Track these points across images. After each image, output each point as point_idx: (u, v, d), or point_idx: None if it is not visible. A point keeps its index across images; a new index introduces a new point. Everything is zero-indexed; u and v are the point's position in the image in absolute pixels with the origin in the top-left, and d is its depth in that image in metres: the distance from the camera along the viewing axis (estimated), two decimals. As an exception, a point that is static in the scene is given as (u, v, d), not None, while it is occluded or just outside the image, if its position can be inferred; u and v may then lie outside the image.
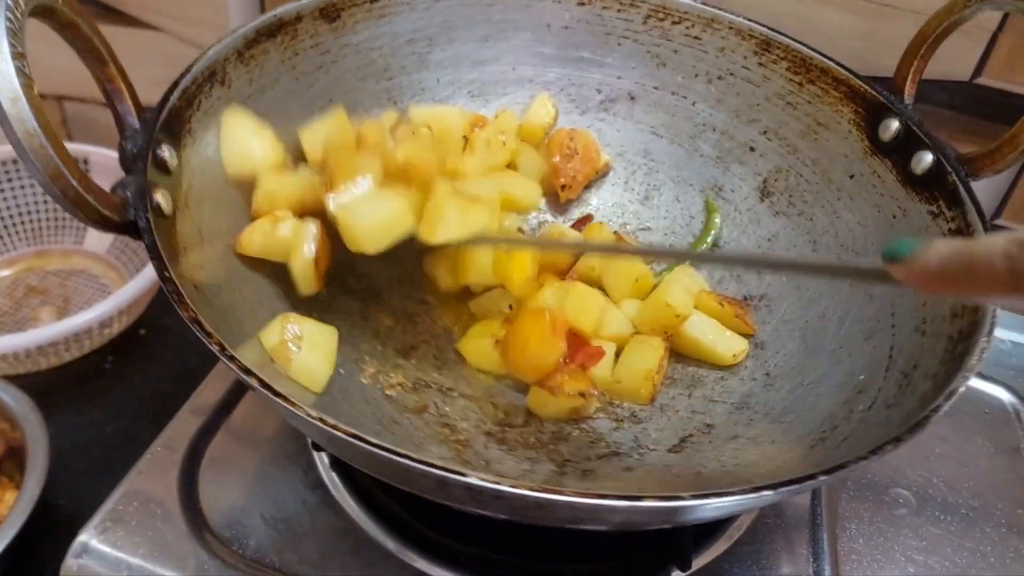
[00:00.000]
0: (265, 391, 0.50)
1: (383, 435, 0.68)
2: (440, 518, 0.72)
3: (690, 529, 0.73)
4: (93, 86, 0.63)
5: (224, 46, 0.73)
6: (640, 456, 0.71)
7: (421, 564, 0.71)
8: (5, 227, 1.18)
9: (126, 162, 0.63)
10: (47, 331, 0.94)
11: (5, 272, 1.18)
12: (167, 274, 0.55)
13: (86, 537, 0.71)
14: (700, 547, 0.74)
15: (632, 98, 0.93)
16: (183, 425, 0.81)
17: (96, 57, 0.63)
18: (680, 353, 0.80)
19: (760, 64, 0.87)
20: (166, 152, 0.64)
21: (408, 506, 0.74)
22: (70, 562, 0.70)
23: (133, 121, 0.64)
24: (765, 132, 0.88)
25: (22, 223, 1.19)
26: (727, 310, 0.79)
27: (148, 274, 1.00)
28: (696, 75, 0.90)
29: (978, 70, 0.94)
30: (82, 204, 0.54)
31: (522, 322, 0.73)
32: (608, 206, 0.93)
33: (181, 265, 0.61)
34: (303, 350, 0.66)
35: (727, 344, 0.78)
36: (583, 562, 0.73)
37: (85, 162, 1.15)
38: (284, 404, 0.50)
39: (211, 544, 0.71)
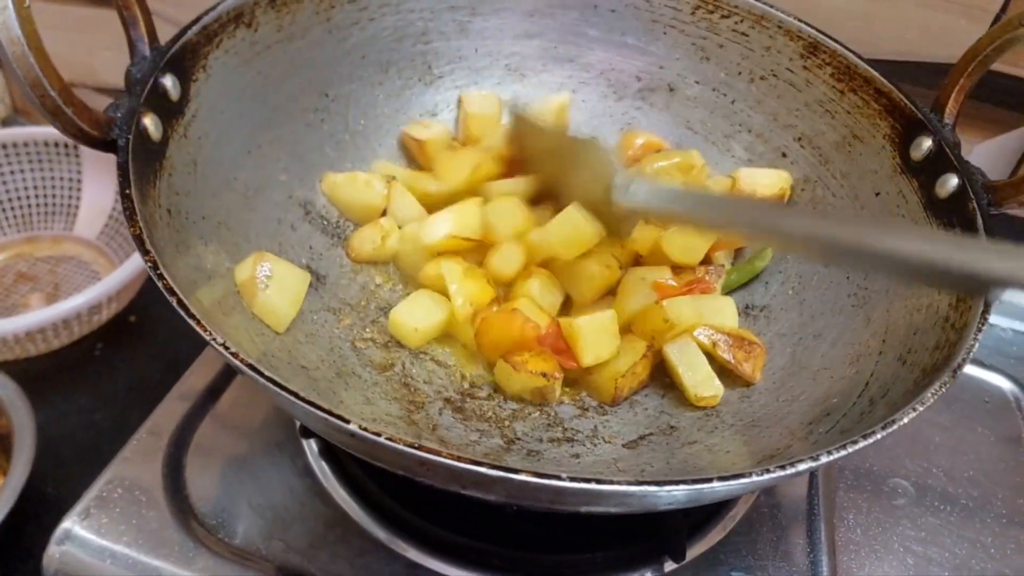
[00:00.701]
0: (181, 310, 0.51)
1: (335, 383, 0.69)
2: (430, 507, 0.72)
3: (683, 519, 0.71)
4: (82, 70, 0.65)
5: (256, -11, 0.75)
6: (593, 446, 0.69)
7: (411, 553, 0.71)
8: None
9: (129, 87, 0.66)
10: (36, 316, 0.93)
11: None
12: (128, 191, 0.57)
13: (69, 524, 0.70)
14: (694, 537, 0.73)
15: (671, 90, 0.91)
16: (170, 411, 0.80)
17: (114, -17, 0.66)
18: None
19: (805, 67, 0.83)
20: (168, 81, 0.66)
21: (398, 495, 0.73)
22: (52, 549, 0.69)
23: (144, 49, 0.67)
24: (800, 139, 0.84)
25: (12, 209, 1.18)
26: (719, 352, 0.73)
27: (138, 261, 0.98)
28: (739, 73, 0.87)
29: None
30: (59, 115, 0.57)
31: (494, 318, 0.72)
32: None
33: (158, 188, 0.63)
34: (270, 288, 0.68)
35: (699, 385, 0.72)
36: (575, 552, 0.73)
37: (76, 147, 1.14)
38: (196, 326, 0.51)
39: (197, 532, 0.71)
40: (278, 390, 0.48)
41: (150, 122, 0.64)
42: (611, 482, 0.46)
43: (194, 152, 0.70)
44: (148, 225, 0.56)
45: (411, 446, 0.46)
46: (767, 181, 0.83)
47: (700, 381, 0.71)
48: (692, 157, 0.85)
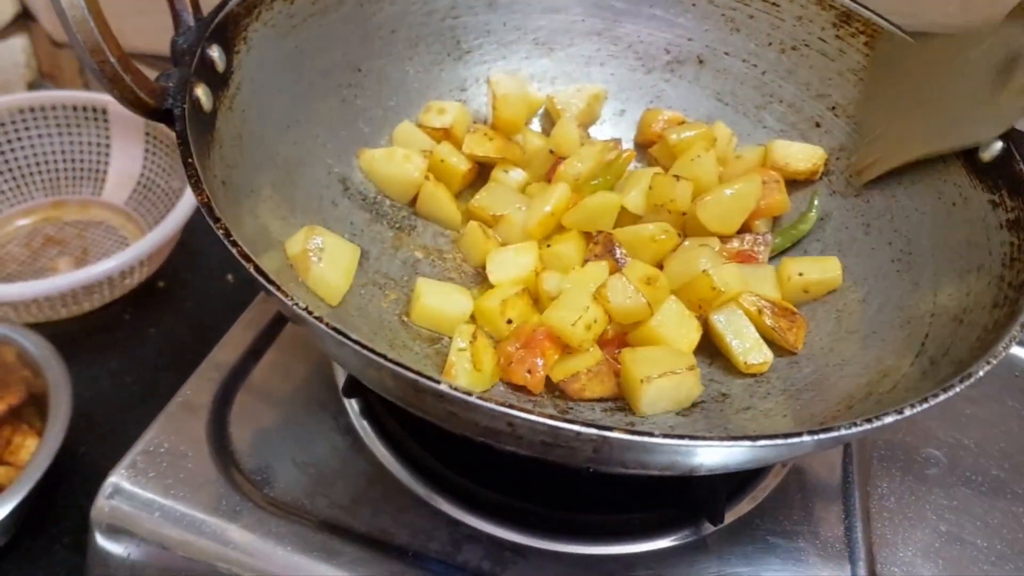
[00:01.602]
0: (261, 278, 0.51)
1: (390, 355, 0.68)
2: (469, 465, 0.72)
3: (723, 483, 0.72)
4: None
5: (290, -38, 0.74)
6: (646, 416, 0.70)
7: (451, 510, 0.72)
8: (23, 176, 1.17)
9: (175, 56, 0.64)
10: (68, 278, 0.93)
11: (23, 221, 1.17)
12: (191, 160, 0.56)
13: (117, 478, 0.70)
14: (731, 501, 0.74)
15: (701, 62, 0.91)
16: (212, 370, 0.81)
17: (158, -47, 0.65)
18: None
19: (837, 37, 0.83)
20: (215, 52, 0.65)
21: (438, 452, 0.74)
22: (101, 503, 0.70)
23: (188, 19, 0.66)
24: (833, 108, 0.84)
25: (39, 173, 1.17)
26: (763, 319, 0.73)
27: (168, 225, 1.00)
28: (770, 43, 0.87)
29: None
30: (118, 82, 0.56)
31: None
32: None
33: (212, 159, 0.62)
34: (323, 262, 0.67)
35: (748, 352, 0.72)
36: (613, 512, 0.73)
37: (104, 111, 1.15)
38: (278, 294, 0.50)
39: (242, 486, 0.72)
40: (368, 353, 0.48)
41: (202, 93, 0.63)
42: (704, 438, 0.46)
43: (239, 125, 0.69)
44: (216, 198, 0.56)
45: (505, 405, 0.46)
46: (802, 155, 0.83)
47: (749, 348, 0.72)
48: (716, 129, 0.85)
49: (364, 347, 0.48)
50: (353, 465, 0.74)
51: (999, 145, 0.70)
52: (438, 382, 0.47)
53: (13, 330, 0.86)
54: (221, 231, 0.53)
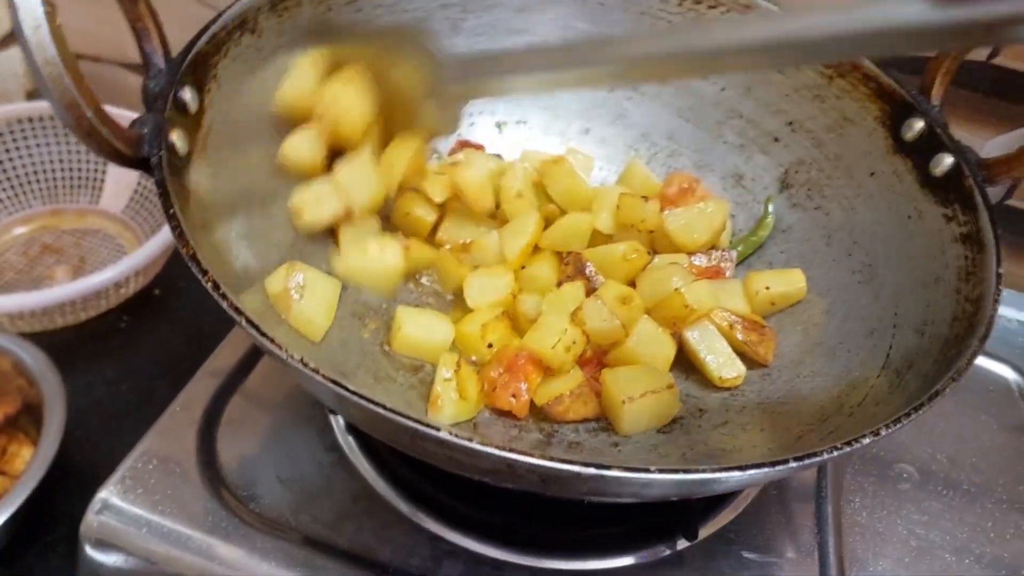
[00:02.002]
0: (251, 330, 0.51)
1: (375, 389, 0.70)
2: (452, 483, 0.73)
3: (697, 499, 0.74)
4: (108, 45, 0.65)
5: (257, -5, 0.74)
6: (629, 436, 0.72)
7: (433, 527, 0.73)
8: (20, 184, 1.17)
9: (148, 101, 0.64)
10: (65, 289, 0.94)
11: (20, 229, 1.17)
12: (172, 210, 0.57)
13: (106, 494, 0.72)
14: (706, 517, 0.76)
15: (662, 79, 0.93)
16: (201, 385, 0.82)
17: (127, -5, 0.64)
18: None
19: (792, 54, 0.86)
20: (187, 94, 0.65)
21: (420, 469, 0.75)
22: (91, 518, 0.71)
23: (159, 61, 0.66)
24: (791, 124, 0.87)
25: (37, 181, 1.17)
26: (735, 334, 0.75)
27: (164, 235, 1.00)
28: (727, 61, 0.89)
29: (995, 51, 0.92)
30: (96, 136, 0.56)
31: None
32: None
33: (191, 203, 0.62)
34: (304, 299, 0.68)
35: (723, 367, 0.75)
36: (591, 528, 0.75)
37: None
38: (270, 345, 0.51)
39: (228, 502, 0.73)
40: (370, 405, 0.49)
41: (177, 137, 0.63)
42: (699, 471, 0.48)
43: (213, 165, 0.69)
44: (199, 246, 0.56)
45: (505, 449, 0.47)
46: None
47: (723, 363, 0.74)
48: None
49: (370, 400, 0.49)
50: (337, 481, 0.76)
51: (949, 160, 0.73)
52: (437, 429, 0.48)
53: (9, 340, 0.87)
54: (209, 283, 0.53)
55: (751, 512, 0.76)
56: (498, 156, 0.92)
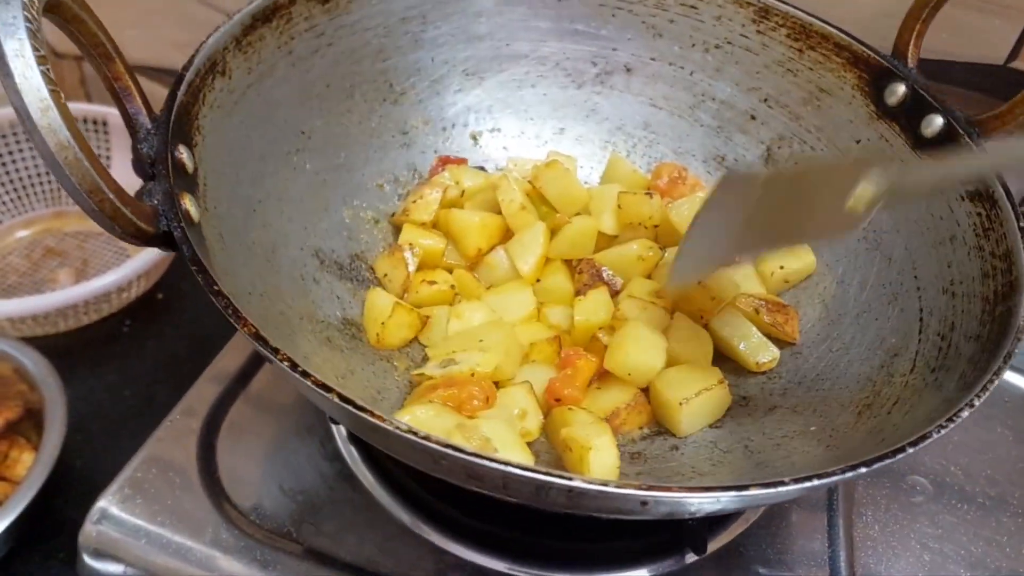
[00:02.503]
0: (355, 410, 0.47)
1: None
2: (456, 494, 0.71)
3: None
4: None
5: (222, 34, 0.69)
6: (687, 436, 0.71)
7: (436, 539, 0.71)
8: (24, 187, 1.16)
9: (143, 167, 0.59)
10: (66, 294, 0.93)
11: (23, 232, 1.16)
12: (216, 287, 0.52)
13: (105, 503, 0.71)
14: (715, 530, 0.74)
15: (628, 70, 0.92)
16: (201, 393, 0.80)
17: (102, 53, 0.58)
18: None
19: (759, 32, 0.87)
20: (184, 153, 0.60)
21: (424, 480, 0.73)
22: (89, 528, 0.70)
23: (145, 121, 0.60)
24: (766, 100, 0.88)
25: (40, 183, 1.16)
26: (761, 318, 0.75)
27: None
28: (693, 45, 0.90)
29: (1013, 53, 0.91)
30: (119, 218, 0.50)
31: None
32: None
33: (216, 274, 0.57)
34: None
35: (756, 351, 0.75)
36: (597, 542, 0.73)
37: (104, 124, 1.14)
38: (366, 416, 0.47)
39: (229, 513, 0.71)
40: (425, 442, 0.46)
41: (189, 203, 0.58)
42: (751, 486, 0.47)
43: (217, 224, 0.64)
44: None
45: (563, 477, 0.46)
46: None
47: (756, 348, 0.75)
48: None
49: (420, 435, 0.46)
50: (340, 492, 0.74)
51: (940, 120, 0.75)
52: (496, 460, 0.46)
53: (10, 345, 0.86)
54: (286, 362, 0.49)
55: (761, 525, 0.75)
56: (481, 168, 0.89)
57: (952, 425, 0.52)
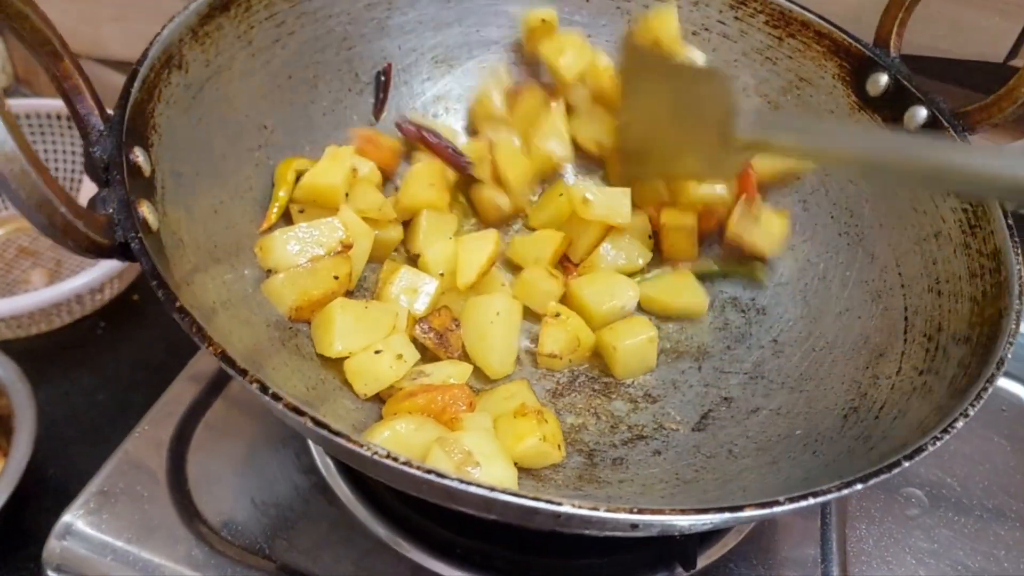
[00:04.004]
0: (336, 437, 0.44)
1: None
2: (435, 509, 0.67)
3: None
4: (86, 43, 0.56)
5: (177, 24, 0.65)
6: (666, 439, 0.70)
7: (416, 555, 0.69)
8: None
9: (96, 171, 0.55)
10: (38, 296, 0.91)
11: None
12: (178, 303, 0.48)
13: (70, 518, 0.68)
14: (705, 545, 0.72)
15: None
16: (171, 404, 0.77)
17: (49, 51, 0.54)
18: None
19: (736, 18, 0.84)
20: (139, 156, 0.56)
21: (402, 494, 0.70)
22: (53, 544, 0.67)
23: (97, 123, 0.56)
24: (744, 89, 0.85)
25: None
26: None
27: None
28: (669, 31, 0.87)
29: (1013, 51, 0.89)
30: (72, 232, 0.47)
31: None
32: (585, 173, 0.90)
33: (179, 286, 0.54)
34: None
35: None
36: (582, 557, 0.71)
37: (68, 118, 1.11)
38: (342, 441, 0.45)
39: (199, 529, 0.69)
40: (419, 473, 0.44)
41: (146, 210, 0.54)
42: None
43: (176, 229, 0.60)
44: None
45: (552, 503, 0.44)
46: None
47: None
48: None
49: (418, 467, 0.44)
50: (315, 506, 0.72)
51: (923, 112, 0.74)
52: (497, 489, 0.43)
53: None
54: (256, 385, 0.46)
55: (752, 539, 0.73)
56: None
57: (947, 436, 0.50)
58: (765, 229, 0.78)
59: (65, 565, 0.67)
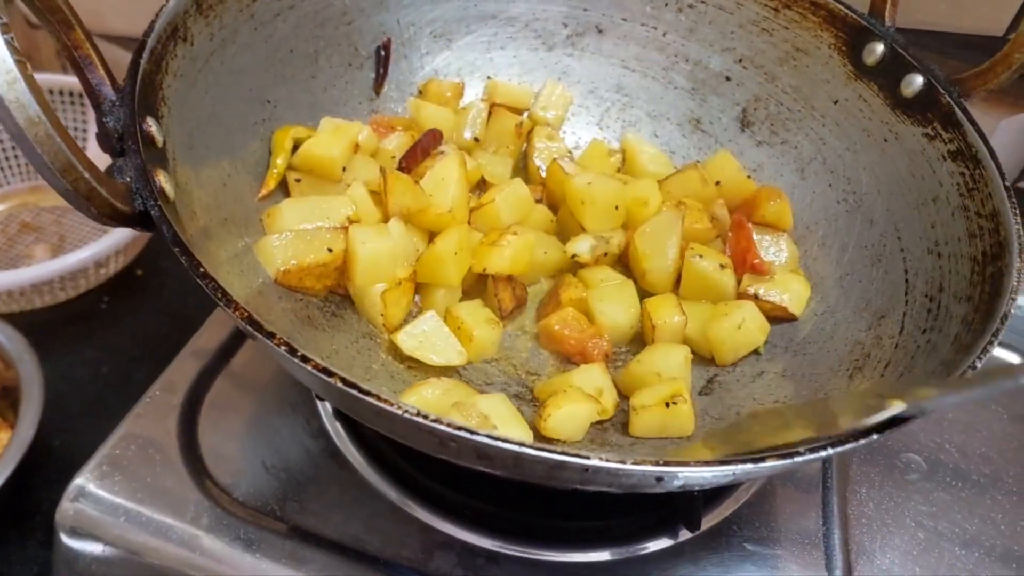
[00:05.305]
0: (367, 396, 0.45)
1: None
2: (444, 470, 0.68)
3: (700, 489, 0.70)
4: (86, 16, 0.55)
5: (181, -4, 0.64)
6: (673, 403, 0.70)
7: (425, 516, 0.70)
8: None
9: (109, 141, 0.55)
10: (42, 268, 0.92)
11: None
12: (202, 269, 0.48)
13: (82, 481, 0.68)
14: (708, 507, 0.73)
15: (600, 31, 0.90)
16: (183, 369, 0.78)
17: (60, 20, 0.54)
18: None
19: (732, -10, 0.85)
20: (152, 126, 0.56)
21: (411, 456, 0.71)
22: (66, 506, 0.68)
23: (109, 92, 0.56)
24: (740, 61, 0.87)
25: (16, 157, 1.13)
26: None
27: None
28: (665, 4, 0.88)
29: (1014, 24, 0.89)
30: (95, 198, 0.47)
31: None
32: (585, 145, 0.90)
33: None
34: None
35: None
36: (589, 519, 0.72)
37: (81, 96, 1.12)
38: (372, 401, 0.45)
39: (211, 491, 0.69)
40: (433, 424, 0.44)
41: (163, 179, 0.54)
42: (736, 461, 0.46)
43: (188, 200, 0.60)
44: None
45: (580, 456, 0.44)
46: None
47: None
48: None
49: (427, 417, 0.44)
50: (325, 469, 0.73)
51: (919, 80, 0.75)
52: (513, 440, 0.44)
53: None
54: (285, 348, 0.46)
55: (755, 503, 0.74)
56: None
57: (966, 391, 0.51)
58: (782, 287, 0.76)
59: (78, 526, 0.67)
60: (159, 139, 0.57)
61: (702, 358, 0.74)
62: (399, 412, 0.44)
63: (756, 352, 0.73)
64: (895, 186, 0.75)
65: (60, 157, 0.44)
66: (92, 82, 0.55)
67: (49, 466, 0.80)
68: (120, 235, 0.95)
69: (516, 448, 0.44)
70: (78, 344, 0.98)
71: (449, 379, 0.65)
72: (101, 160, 0.50)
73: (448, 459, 0.50)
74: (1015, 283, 0.59)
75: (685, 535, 0.71)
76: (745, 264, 0.75)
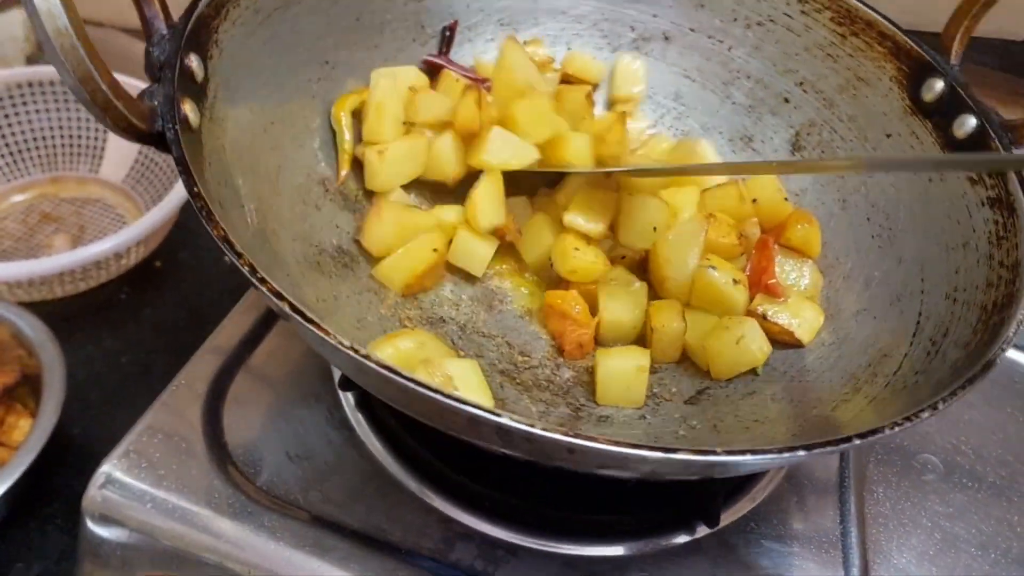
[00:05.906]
0: (296, 316, 0.48)
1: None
2: (465, 461, 0.71)
3: (720, 484, 0.72)
4: (110, 9, 0.61)
5: (254, -50, 0.69)
6: (656, 406, 0.71)
7: (446, 508, 0.71)
8: (20, 151, 1.16)
9: (152, 69, 0.60)
10: (64, 259, 0.92)
11: (19, 197, 1.16)
12: (196, 189, 0.53)
13: (109, 468, 0.69)
14: (727, 504, 0.73)
15: (667, 39, 0.90)
16: (205, 360, 0.79)
17: (124, -46, 0.59)
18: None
19: (803, 12, 0.84)
20: (194, 62, 0.61)
21: (433, 448, 0.72)
22: (93, 492, 0.69)
23: (161, 27, 0.61)
24: (802, 84, 0.85)
25: (37, 148, 1.16)
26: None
27: (166, 206, 0.99)
28: (735, 19, 0.87)
29: None
30: (111, 110, 0.52)
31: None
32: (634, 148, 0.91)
33: (206, 179, 0.58)
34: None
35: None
36: (608, 512, 0.72)
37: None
38: (315, 331, 0.48)
39: (235, 478, 0.71)
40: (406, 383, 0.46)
41: (189, 109, 0.59)
42: (762, 451, 0.47)
43: (221, 136, 0.65)
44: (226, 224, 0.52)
45: (568, 435, 0.45)
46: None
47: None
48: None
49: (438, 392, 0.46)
50: (347, 460, 0.74)
51: (973, 122, 0.72)
52: (498, 415, 0.46)
53: (8, 309, 0.86)
54: (246, 267, 0.50)
55: (772, 501, 0.74)
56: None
57: (908, 424, 0.50)
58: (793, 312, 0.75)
59: (105, 513, 0.69)
60: (199, 75, 0.61)
61: (698, 369, 0.74)
62: (333, 342, 0.47)
63: (754, 372, 0.72)
64: (931, 227, 0.73)
65: (81, 67, 0.49)
66: (147, 14, 0.61)
67: (68, 453, 0.81)
68: (139, 227, 0.96)
69: (433, 395, 0.46)
70: (98, 335, 0.99)
71: (428, 335, 0.67)
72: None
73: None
74: (1011, 334, 0.57)
75: (703, 531, 0.71)
76: (760, 283, 0.74)
